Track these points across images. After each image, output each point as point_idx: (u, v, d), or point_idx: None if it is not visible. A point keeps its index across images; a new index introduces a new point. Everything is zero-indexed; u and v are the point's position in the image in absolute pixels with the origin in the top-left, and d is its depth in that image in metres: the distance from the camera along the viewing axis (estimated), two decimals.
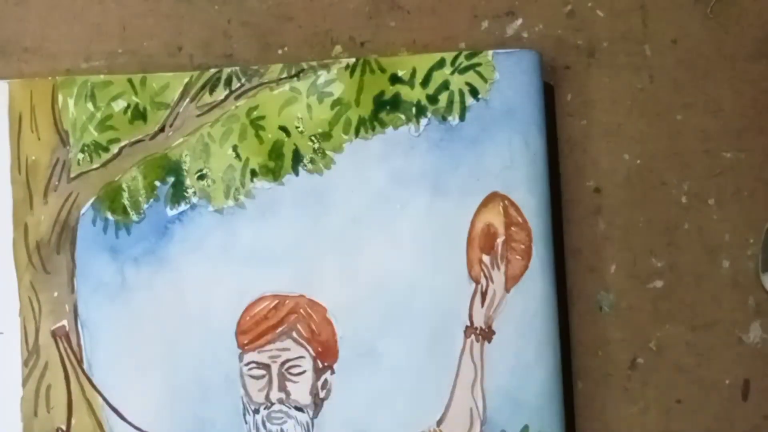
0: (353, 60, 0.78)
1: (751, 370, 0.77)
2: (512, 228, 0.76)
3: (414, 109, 0.77)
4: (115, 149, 0.80)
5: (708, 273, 0.77)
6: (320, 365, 0.78)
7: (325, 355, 0.78)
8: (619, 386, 0.78)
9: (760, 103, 0.76)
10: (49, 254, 0.82)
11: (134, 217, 0.80)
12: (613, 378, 0.78)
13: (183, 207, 0.80)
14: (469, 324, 0.76)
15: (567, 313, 0.78)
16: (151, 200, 0.80)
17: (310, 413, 0.78)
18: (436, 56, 0.77)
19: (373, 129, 0.78)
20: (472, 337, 0.76)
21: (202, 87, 0.79)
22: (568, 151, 0.78)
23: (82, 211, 0.81)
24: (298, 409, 0.78)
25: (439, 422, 0.76)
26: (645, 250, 0.77)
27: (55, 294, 0.81)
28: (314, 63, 0.79)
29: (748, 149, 0.77)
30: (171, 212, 0.80)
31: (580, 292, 0.78)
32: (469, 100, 0.77)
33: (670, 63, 0.77)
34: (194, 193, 0.80)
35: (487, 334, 0.75)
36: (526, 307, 0.75)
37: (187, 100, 0.80)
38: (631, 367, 0.78)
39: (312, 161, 0.79)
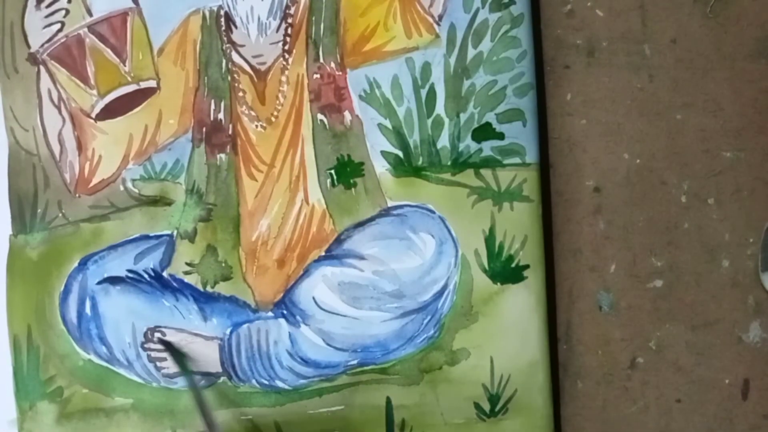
0: None
1: (750, 370, 0.77)
2: None
3: None
4: None
5: (708, 272, 0.77)
6: None
7: None
8: (619, 386, 0.78)
9: (759, 102, 0.77)
10: None
11: None
12: (613, 377, 0.78)
13: None
14: None
15: (567, 312, 0.78)
16: None
17: None
18: None
19: None
20: None
21: None
22: (568, 151, 0.78)
23: None
24: None
25: None
26: (645, 250, 0.77)
27: None
28: None
29: (747, 148, 0.77)
30: None
31: (580, 292, 0.78)
32: None
33: (670, 62, 0.77)
34: None
35: None
36: None
37: None
38: (631, 366, 0.78)
39: None
